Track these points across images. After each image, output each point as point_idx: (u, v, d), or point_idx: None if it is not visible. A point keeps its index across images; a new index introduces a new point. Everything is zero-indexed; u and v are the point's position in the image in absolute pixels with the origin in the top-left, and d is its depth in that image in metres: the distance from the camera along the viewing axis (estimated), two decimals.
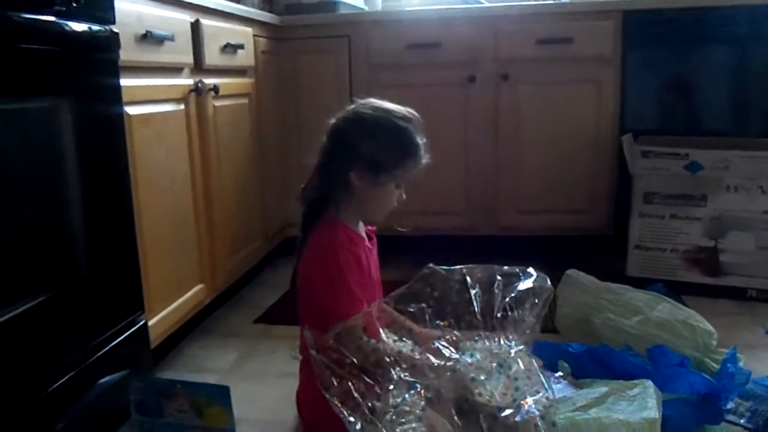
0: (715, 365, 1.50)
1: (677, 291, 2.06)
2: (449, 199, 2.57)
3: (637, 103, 2.41)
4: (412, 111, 1.33)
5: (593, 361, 1.49)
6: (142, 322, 1.49)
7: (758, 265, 2.04)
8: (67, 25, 1.22)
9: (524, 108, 2.48)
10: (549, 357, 1.44)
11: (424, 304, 1.09)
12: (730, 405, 1.38)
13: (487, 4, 2.73)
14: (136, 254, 1.49)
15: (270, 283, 2.41)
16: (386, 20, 2.59)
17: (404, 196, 1.36)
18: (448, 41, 2.49)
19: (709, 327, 1.63)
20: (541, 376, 1.09)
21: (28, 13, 1.12)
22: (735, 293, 2.08)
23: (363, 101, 1.34)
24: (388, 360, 1.07)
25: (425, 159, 1.30)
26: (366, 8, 2.94)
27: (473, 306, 1.10)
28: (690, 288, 2.10)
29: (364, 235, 1.38)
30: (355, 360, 1.06)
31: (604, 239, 2.47)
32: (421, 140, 1.30)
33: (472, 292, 1.13)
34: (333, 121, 1.33)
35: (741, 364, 1.50)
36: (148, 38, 1.55)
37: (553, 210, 2.51)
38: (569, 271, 1.83)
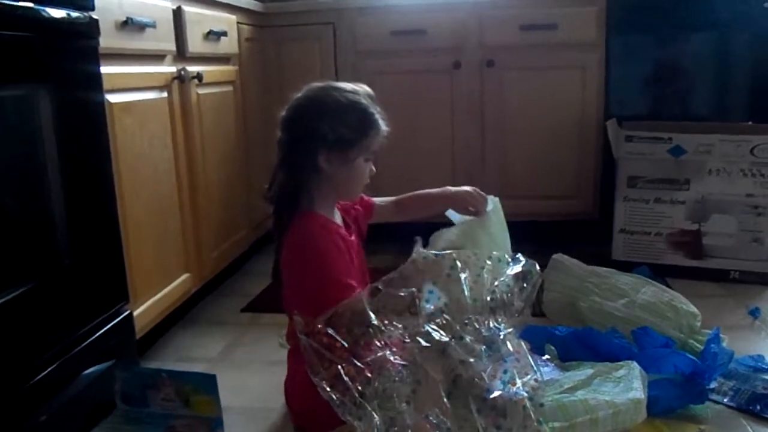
0: (699, 346, 1.52)
1: (662, 274, 2.08)
2: (436, 185, 2.56)
3: (621, 89, 2.42)
4: (360, 84, 1.33)
5: (579, 343, 1.50)
6: (126, 312, 1.48)
7: (740, 247, 2.07)
8: (44, 11, 1.20)
9: (509, 94, 2.48)
10: (536, 340, 1.44)
11: (414, 289, 1.09)
12: (713, 384, 1.40)
13: None
14: (120, 244, 1.47)
15: (257, 272, 2.40)
16: (371, 6, 2.57)
17: (374, 169, 1.36)
18: (433, 28, 2.48)
19: (693, 308, 1.65)
20: (530, 358, 1.10)
21: None
22: (718, 275, 2.10)
23: (307, 87, 1.33)
24: (378, 344, 1.07)
25: (385, 127, 1.30)
26: None
27: (463, 290, 1.10)
28: (674, 270, 2.12)
29: (340, 222, 1.38)
30: (345, 343, 1.05)
31: (590, 223, 2.49)
32: (375, 110, 1.30)
33: (462, 276, 1.13)
34: (283, 113, 1.32)
35: (724, 344, 1.52)
36: (128, 25, 1.52)
37: (539, 195, 2.52)
38: (555, 256, 1.84)
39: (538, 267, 1.20)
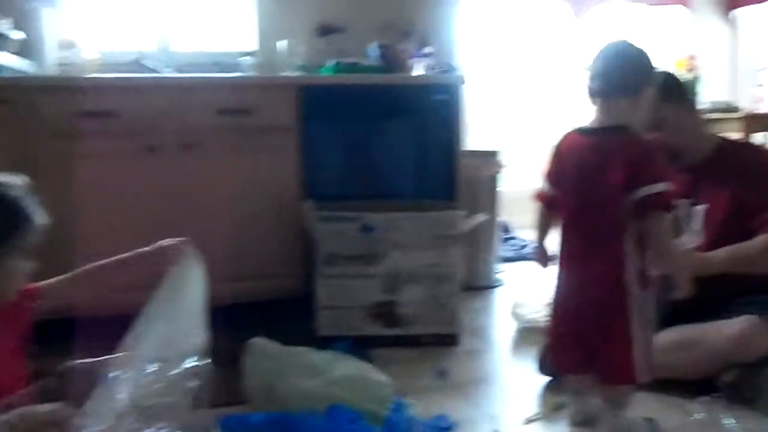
0: (387, 414, 1.59)
1: (364, 345, 2.18)
2: None
3: (317, 171, 2.56)
4: (12, 175, 1.22)
5: (275, 428, 1.48)
6: None
7: (428, 313, 2.26)
8: None
9: (209, 177, 2.46)
10: (235, 429, 1.39)
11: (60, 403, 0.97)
12: None
13: (169, 74, 2.70)
14: None
15: None
16: (59, 86, 2.39)
17: (32, 266, 1.22)
18: (128, 110, 2.39)
19: (384, 379, 1.74)
20: None
21: None
22: (413, 341, 2.26)
23: None
24: None
25: (40, 219, 1.19)
26: (35, 73, 2.69)
27: (122, 397, 1.01)
28: (375, 340, 2.23)
29: None
30: None
31: (297, 301, 2.52)
32: (25, 202, 1.19)
33: (124, 379, 1.04)
34: None
35: (410, 410, 1.62)
36: None
37: (244, 277, 2.50)
38: (253, 341, 1.82)
39: (207, 364, 1.16)
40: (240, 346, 1.78)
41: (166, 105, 2.43)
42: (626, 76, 1.49)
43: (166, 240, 1.43)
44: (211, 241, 2.45)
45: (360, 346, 2.17)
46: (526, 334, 2.36)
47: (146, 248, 1.43)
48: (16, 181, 1.20)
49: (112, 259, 1.45)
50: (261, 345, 1.80)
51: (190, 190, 2.46)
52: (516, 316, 2.47)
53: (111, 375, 1.01)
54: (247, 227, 2.50)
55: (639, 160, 1.44)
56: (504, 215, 3.93)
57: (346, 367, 1.75)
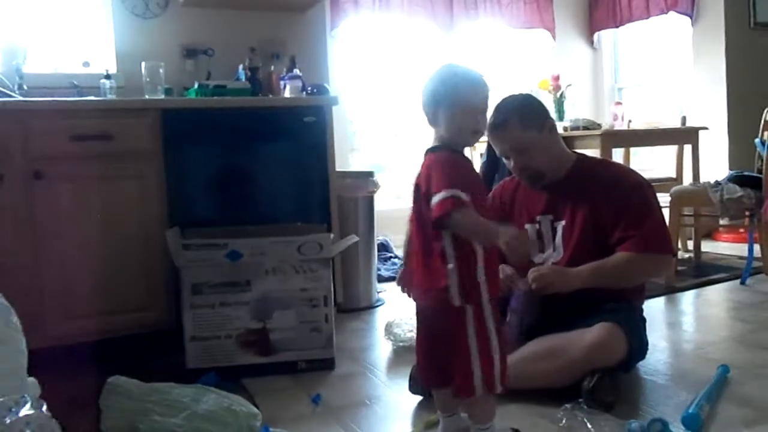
0: None
1: (236, 375, 2.12)
2: None
3: (182, 197, 2.47)
4: None
5: None
6: None
7: (302, 338, 2.23)
8: None
9: (64, 207, 2.31)
10: None
11: None
12: None
13: (18, 98, 2.52)
14: None
15: None
16: None
17: None
18: None
19: (252, 409, 1.69)
20: None
21: None
22: (287, 367, 2.22)
23: None
24: None
25: None
26: None
27: None
28: (248, 370, 2.18)
29: None
30: None
31: (166, 333, 2.41)
32: None
33: None
34: None
35: None
36: None
37: (107, 311, 2.36)
38: (111, 379, 1.71)
39: (45, 408, 1.07)
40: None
41: (15, 130, 2.26)
42: (426, 105, 1.53)
43: None
44: (73, 275, 2.32)
45: (231, 377, 2.11)
46: (401, 353, 2.38)
47: None
48: None
49: None
50: (120, 383, 1.69)
51: (46, 222, 2.29)
52: (391, 335, 2.48)
53: None
54: (112, 259, 2.37)
55: (429, 171, 1.47)
56: (385, 234, 3.99)
57: (210, 400, 1.68)
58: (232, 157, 2.56)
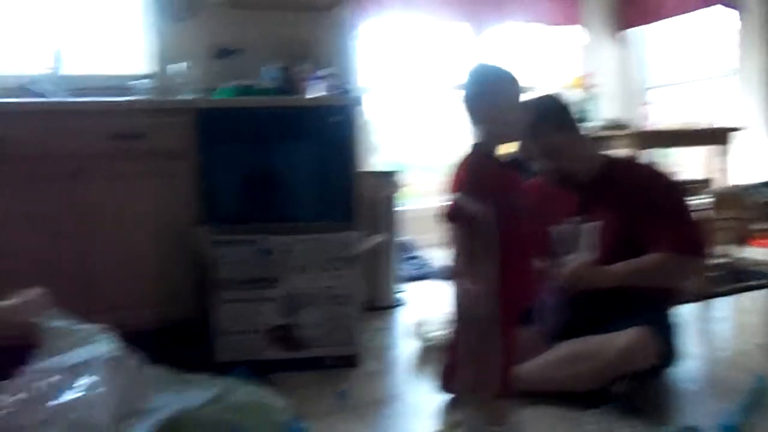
0: None
1: (265, 370, 2.15)
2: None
3: (214, 195, 2.52)
4: None
5: None
6: None
7: (328, 335, 2.26)
8: None
9: (98, 204, 2.38)
10: None
11: None
12: None
13: (58, 99, 2.61)
14: None
15: None
16: None
17: None
18: (13, 135, 2.28)
19: (281, 403, 1.73)
20: None
21: None
22: (314, 363, 2.25)
23: None
24: None
25: None
26: None
27: None
28: (275, 365, 2.21)
29: None
30: None
31: (192, 327, 2.46)
32: None
33: None
34: None
35: None
36: None
37: (135, 305, 2.42)
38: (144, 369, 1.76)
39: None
40: None
41: (56, 130, 2.34)
42: (470, 103, 1.56)
43: (27, 292, 1.39)
44: (105, 269, 2.39)
45: (259, 371, 2.15)
46: (429, 352, 2.39)
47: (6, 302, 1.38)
48: None
49: None
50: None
51: (83, 217, 2.37)
52: (419, 334, 2.50)
53: None
54: (142, 254, 2.44)
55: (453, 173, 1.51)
56: (407, 234, 4.01)
57: (241, 393, 1.73)
58: (260, 155, 2.61)
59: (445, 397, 1.93)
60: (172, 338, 2.46)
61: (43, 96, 2.64)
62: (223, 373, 1.89)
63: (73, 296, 2.32)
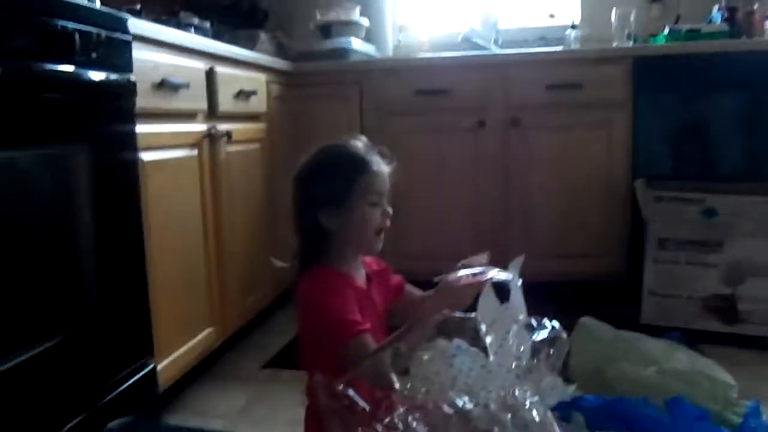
0: (736, 419, 1.45)
1: (694, 339, 2.01)
2: (458, 244, 2.55)
3: (649, 148, 2.41)
4: (357, 135, 1.31)
5: (608, 414, 1.45)
6: (151, 366, 1.48)
7: None
8: (86, 74, 1.24)
9: (534, 153, 2.49)
10: (562, 409, 1.39)
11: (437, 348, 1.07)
12: None
13: (497, 51, 2.76)
14: (147, 299, 1.48)
15: (279, 328, 2.39)
16: (397, 67, 2.62)
17: (389, 210, 1.30)
18: (459, 87, 2.52)
19: (729, 378, 1.58)
20: (556, 428, 1.06)
21: (48, 62, 1.15)
22: (754, 342, 2.03)
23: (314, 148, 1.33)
24: (401, 408, 1.04)
25: (382, 166, 1.27)
26: (377, 55, 2.98)
27: (488, 354, 1.08)
28: (707, 336, 2.06)
29: (359, 276, 1.34)
30: (366, 407, 1.03)
31: (617, 285, 2.43)
32: (367, 153, 1.28)
33: (487, 340, 1.10)
34: (294, 173, 1.31)
35: (764, 418, 1.46)
36: (164, 86, 1.57)
37: (565, 255, 2.49)
38: (583, 319, 1.79)
39: (565, 334, 1.17)
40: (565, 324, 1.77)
41: (495, 81, 2.50)
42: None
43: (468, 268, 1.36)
44: (536, 217, 2.51)
45: (689, 340, 2.02)
46: None
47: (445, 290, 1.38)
48: (357, 139, 1.32)
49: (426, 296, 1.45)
50: (591, 325, 1.76)
51: (518, 165, 2.51)
52: None
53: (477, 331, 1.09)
54: (573, 204, 2.48)
55: None
56: None
57: (682, 359, 1.64)
58: (704, 106, 2.39)
59: None
60: (597, 293, 2.47)
61: (483, 48, 2.82)
62: (653, 335, 1.82)
63: (514, 240, 2.53)
